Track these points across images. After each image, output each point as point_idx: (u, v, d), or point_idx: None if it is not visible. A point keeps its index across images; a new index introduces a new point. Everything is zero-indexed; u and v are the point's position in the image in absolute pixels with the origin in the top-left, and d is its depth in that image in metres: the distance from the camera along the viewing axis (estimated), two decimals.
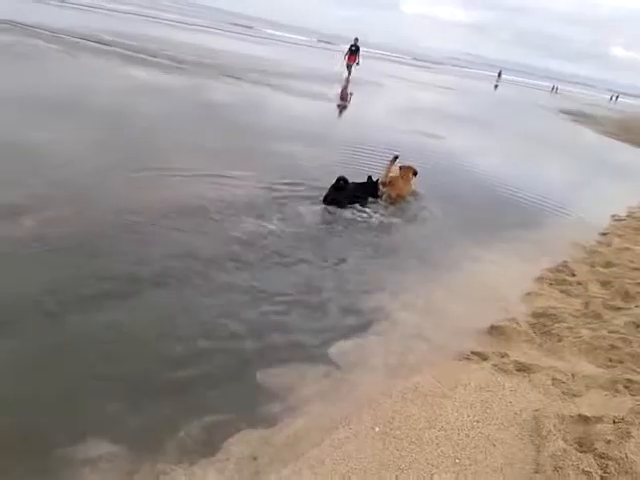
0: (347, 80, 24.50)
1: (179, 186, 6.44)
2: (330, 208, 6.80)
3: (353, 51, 25.29)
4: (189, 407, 3.08)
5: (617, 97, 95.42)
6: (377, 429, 3.06)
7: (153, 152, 7.63)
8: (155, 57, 18.50)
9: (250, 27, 66.64)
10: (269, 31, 67.59)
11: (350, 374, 3.62)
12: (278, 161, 8.44)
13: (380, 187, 7.62)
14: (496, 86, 57.46)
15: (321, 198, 6.91)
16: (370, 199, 7.43)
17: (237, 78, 17.86)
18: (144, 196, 5.92)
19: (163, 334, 3.72)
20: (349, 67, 25.21)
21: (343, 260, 5.47)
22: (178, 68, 17.29)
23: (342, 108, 17.24)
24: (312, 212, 6.50)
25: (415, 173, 8.02)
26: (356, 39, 25.36)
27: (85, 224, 5.03)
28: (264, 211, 6.14)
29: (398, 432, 3.04)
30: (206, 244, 5.08)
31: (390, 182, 7.66)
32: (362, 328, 4.23)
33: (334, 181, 6.95)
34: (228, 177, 7.00)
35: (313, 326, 4.15)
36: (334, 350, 3.85)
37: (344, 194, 6.95)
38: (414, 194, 8.04)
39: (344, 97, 20.01)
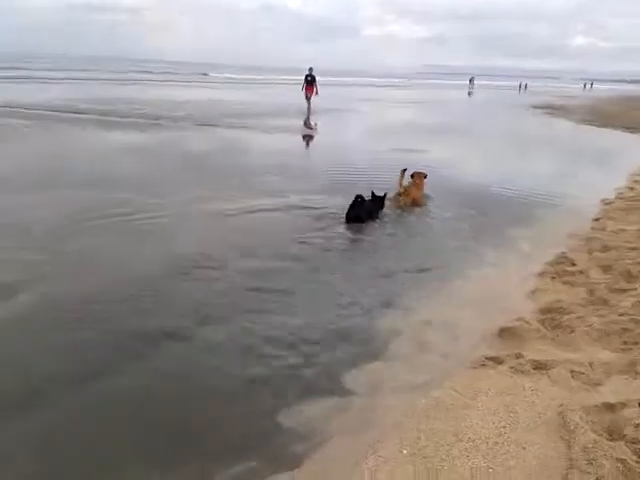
0: (309, 111, 23.88)
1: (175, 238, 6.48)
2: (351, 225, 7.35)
3: (309, 81, 24.66)
4: (214, 459, 3.04)
5: (592, 84, 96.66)
6: (405, 451, 3.01)
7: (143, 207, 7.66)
8: (129, 117, 18.76)
9: (205, 74, 67.01)
10: (231, 75, 67.76)
11: (369, 400, 3.59)
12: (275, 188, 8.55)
13: (398, 197, 8.60)
14: (469, 93, 58.20)
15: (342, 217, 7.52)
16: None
17: (213, 125, 18.12)
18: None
19: (179, 390, 3.71)
20: (308, 99, 24.62)
21: (346, 280, 5.53)
22: (154, 125, 17.53)
23: (310, 138, 17.31)
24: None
25: (425, 176, 9.04)
26: (310, 69, 24.70)
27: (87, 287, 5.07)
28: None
29: (427, 451, 2.99)
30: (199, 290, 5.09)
31: (405, 191, 8.64)
32: (372, 350, 4.20)
33: (352, 200, 7.51)
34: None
35: (324, 356, 4.12)
36: (349, 378, 3.82)
37: (363, 211, 7.54)
38: (425, 197, 8.98)
39: (309, 127, 19.82)
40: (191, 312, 4.71)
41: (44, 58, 77.15)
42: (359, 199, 7.56)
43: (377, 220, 7.76)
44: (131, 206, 7.72)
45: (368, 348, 4.25)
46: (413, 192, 8.71)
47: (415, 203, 8.63)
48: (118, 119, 18.35)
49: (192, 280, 5.37)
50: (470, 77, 75.66)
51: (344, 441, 3.21)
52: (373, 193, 8.09)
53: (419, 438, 3.11)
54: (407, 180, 8.87)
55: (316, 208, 8.10)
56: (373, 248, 6.69)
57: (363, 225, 7.41)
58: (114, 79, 44.28)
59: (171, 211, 7.62)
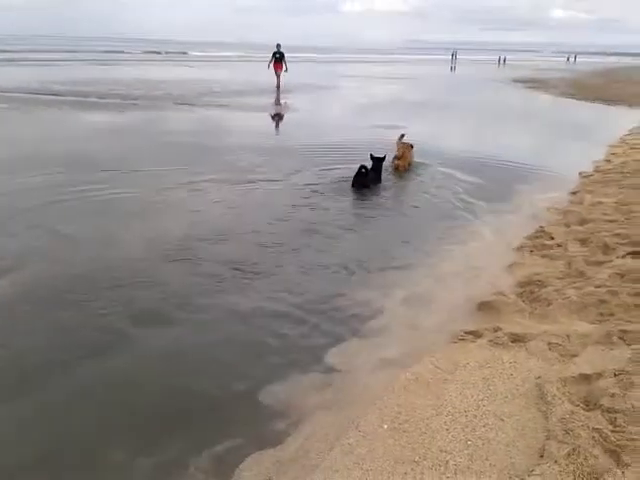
0: (278, 89, 23.32)
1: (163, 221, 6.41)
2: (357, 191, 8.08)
3: (277, 58, 23.98)
4: (195, 440, 3.04)
5: (575, 57, 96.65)
6: (385, 426, 3.04)
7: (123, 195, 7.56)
8: (107, 98, 18.44)
9: (184, 52, 66.02)
10: (209, 53, 66.91)
11: (350, 376, 3.61)
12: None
13: (396, 160, 9.42)
14: (452, 68, 57.97)
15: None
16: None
17: (190, 104, 17.86)
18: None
19: (163, 371, 3.72)
20: (276, 75, 23.98)
21: (328, 254, 5.52)
22: (132, 105, 17.24)
23: (282, 117, 17.03)
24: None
25: (412, 146, 9.75)
26: (278, 45, 23.94)
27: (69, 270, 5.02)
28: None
29: (407, 425, 3.02)
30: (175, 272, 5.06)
31: (402, 155, 9.46)
32: (354, 327, 4.22)
33: (357, 169, 8.16)
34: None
35: (305, 334, 4.14)
36: (331, 355, 3.84)
37: (368, 178, 8.24)
38: (414, 164, 9.77)
39: (279, 104, 19.45)
40: (174, 294, 4.69)
41: (20, 40, 75.09)
42: (363, 169, 8.16)
43: (378, 185, 8.49)
44: (106, 185, 7.65)
45: (348, 324, 4.27)
46: (408, 156, 9.51)
47: (410, 166, 9.56)
48: (96, 100, 18.01)
49: (176, 262, 5.33)
50: (452, 52, 75.29)
51: (325, 417, 3.22)
52: (372, 155, 8.67)
53: (399, 413, 3.13)
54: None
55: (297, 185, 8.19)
56: (361, 221, 6.83)
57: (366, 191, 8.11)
58: (92, 59, 43.27)
59: (145, 191, 7.54)
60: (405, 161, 9.42)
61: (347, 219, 6.84)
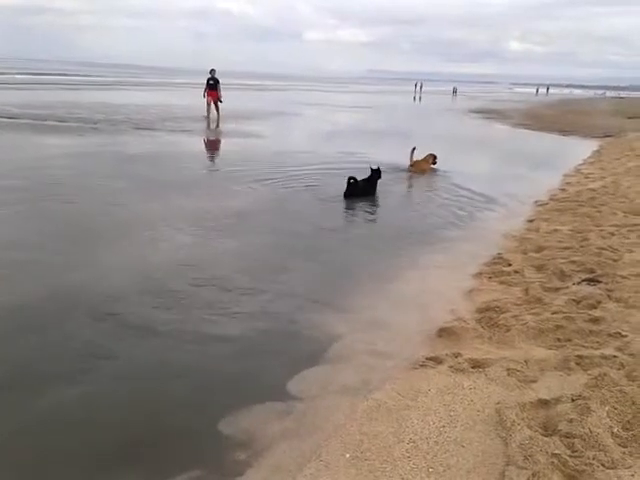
0: (216, 120, 20.99)
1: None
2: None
3: (212, 85, 21.39)
4: (153, 473, 2.96)
5: (547, 89, 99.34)
6: (348, 455, 3.01)
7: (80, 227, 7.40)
8: (66, 121, 18.17)
9: (147, 77, 65.91)
10: (173, 79, 66.93)
11: (311, 405, 3.57)
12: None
13: (410, 167, 12.12)
14: (415, 98, 59.29)
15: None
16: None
17: (152, 129, 17.75)
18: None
19: (120, 403, 3.59)
20: (210, 105, 21.52)
21: (292, 281, 5.51)
22: (92, 129, 17.00)
23: (213, 154, 15.37)
24: None
25: (435, 157, 12.44)
26: (212, 71, 21.45)
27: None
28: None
29: (369, 454, 3.00)
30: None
31: (414, 164, 12.12)
32: (315, 354, 4.18)
33: (346, 181, 9.16)
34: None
35: (266, 362, 4.09)
36: (291, 383, 3.79)
37: (357, 188, 9.23)
38: (434, 171, 12.29)
39: (213, 147, 16.38)
40: (136, 318, 4.59)
41: None
42: (352, 179, 9.19)
43: (373, 196, 9.52)
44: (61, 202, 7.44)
45: (309, 351, 4.24)
46: (421, 165, 12.14)
47: (421, 172, 12.05)
48: (55, 123, 17.74)
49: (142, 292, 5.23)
50: (416, 82, 77.51)
51: (287, 447, 3.17)
52: (371, 168, 9.71)
53: (361, 441, 3.11)
54: (416, 157, 12.16)
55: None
56: (324, 244, 6.88)
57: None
58: (52, 82, 42.80)
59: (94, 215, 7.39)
60: (417, 169, 12.03)
61: (307, 242, 6.87)
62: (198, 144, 16.32)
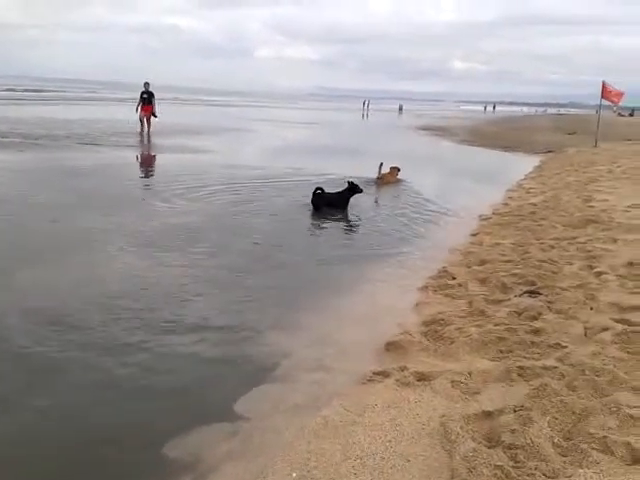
0: (147, 135, 20.26)
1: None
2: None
3: (145, 99, 20.56)
4: None
5: (494, 106, 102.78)
6: (294, 474, 2.97)
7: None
8: (7, 137, 17.57)
9: (94, 91, 64.62)
10: (120, 94, 65.50)
11: (259, 424, 3.51)
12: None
13: (378, 180, 12.85)
14: (364, 115, 60.02)
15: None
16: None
17: (96, 145, 17.38)
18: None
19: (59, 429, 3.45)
20: (145, 119, 20.72)
21: (232, 299, 5.44)
22: (34, 144, 16.49)
23: (149, 171, 14.67)
24: None
25: (399, 170, 13.41)
26: (146, 84, 20.69)
27: None
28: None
29: (315, 472, 2.97)
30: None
31: (381, 177, 12.96)
32: (262, 372, 4.14)
33: (312, 192, 9.56)
34: None
35: (212, 382, 4.03)
36: (238, 403, 3.73)
37: (324, 198, 9.61)
38: (400, 182, 13.20)
39: (147, 163, 15.78)
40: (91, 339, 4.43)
41: None
42: (319, 190, 9.57)
43: (339, 210, 9.67)
44: None
45: (256, 370, 4.18)
46: (387, 178, 13.04)
47: (387, 184, 12.89)
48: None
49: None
50: (364, 100, 78.40)
51: (233, 469, 3.11)
52: (349, 182, 10.00)
53: (308, 459, 3.08)
54: (384, 170, 13.03)
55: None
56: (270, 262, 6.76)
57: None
58: None
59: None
60: (383, 182, 12.90)
61: (253, 259, 6.82)
62: (141, 160, 16.12)
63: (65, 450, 3.27)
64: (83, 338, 4.52)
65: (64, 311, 4.98)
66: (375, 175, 12.98)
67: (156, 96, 21.28)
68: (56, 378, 3.97)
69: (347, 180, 10.12)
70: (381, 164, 13.03)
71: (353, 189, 9.94)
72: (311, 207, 9.58)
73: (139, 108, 20.75)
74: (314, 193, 9.55)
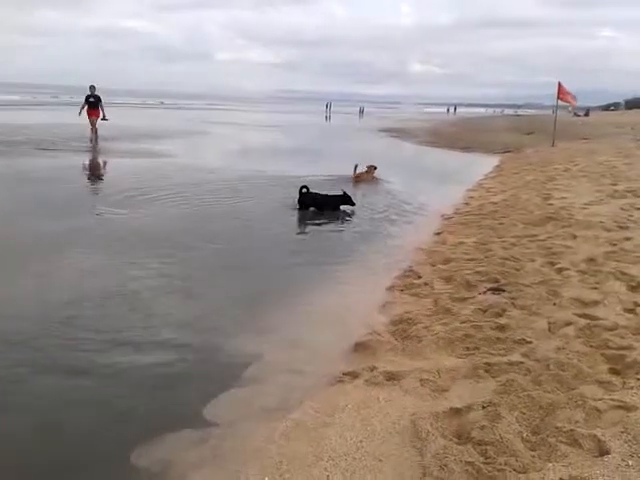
0: (96, 140, 19.66)
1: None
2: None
3: (92, 103, 19.69)
4: None
5: (455, 108, 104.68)
6: (267, 479, 2.95)
7: None
8: None
9: (56, 96, 63.29)
10: (78, 98, 64.20)
11: (229, 429, 3.48)
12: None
13: (354, 179, 13.34)
14: (326, 117, 60.11)
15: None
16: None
17: (55, 150, 16.97)
18: None
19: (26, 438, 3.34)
20: (93, 123, 19.96)
21: (200, 303, 5.36)
22: None
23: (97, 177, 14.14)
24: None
25: (375, 168, 14.00)
26: (92, 87, 19.83)
27: None
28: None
29: (288, 475, 2.96)
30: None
31: (357, 177, 13.50)
32: (231, 377, 4.09)
33: (299, 190, 9.72)
34: None
35: (180, 388, 3.97)
36: (208, 408, 3.68)
37: (308, 199, 9.76)
38: (376, 180, 13.78)
39: (95, 169, 15.19)
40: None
41: None
42: (304, 188, 9.73)
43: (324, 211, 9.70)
44: None
45: (225, 374, 4.14)
46: (363, 177, 13.61)
47: (363, 182, 13.40)
48: None
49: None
50: (327, 103, 78.46)
51: (204, 475, 3.07)
52: (344, 192, 10.06)
53: (280, 462, 3.06)
54: (360, 170, 13.63)
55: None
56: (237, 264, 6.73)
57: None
58: None
59: None
60: (359, 181, 13.40)
61: (220, 261, 6.77)
62: (96, 165, 15.83)
63: (29, 462, 3.18)
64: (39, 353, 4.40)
65: (9, 325, 4.82)
66: (350, 174, 13.44)
67: (116, 100, 20.81)
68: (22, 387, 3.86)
69: (342, 190, 10.17)
70: (356, 165, 13.53)
71: (345, 199, 10.01)
72: (293, 207, 9.74)
73: (83, 111, 19.82)
74: (300, 192, 9.69)
